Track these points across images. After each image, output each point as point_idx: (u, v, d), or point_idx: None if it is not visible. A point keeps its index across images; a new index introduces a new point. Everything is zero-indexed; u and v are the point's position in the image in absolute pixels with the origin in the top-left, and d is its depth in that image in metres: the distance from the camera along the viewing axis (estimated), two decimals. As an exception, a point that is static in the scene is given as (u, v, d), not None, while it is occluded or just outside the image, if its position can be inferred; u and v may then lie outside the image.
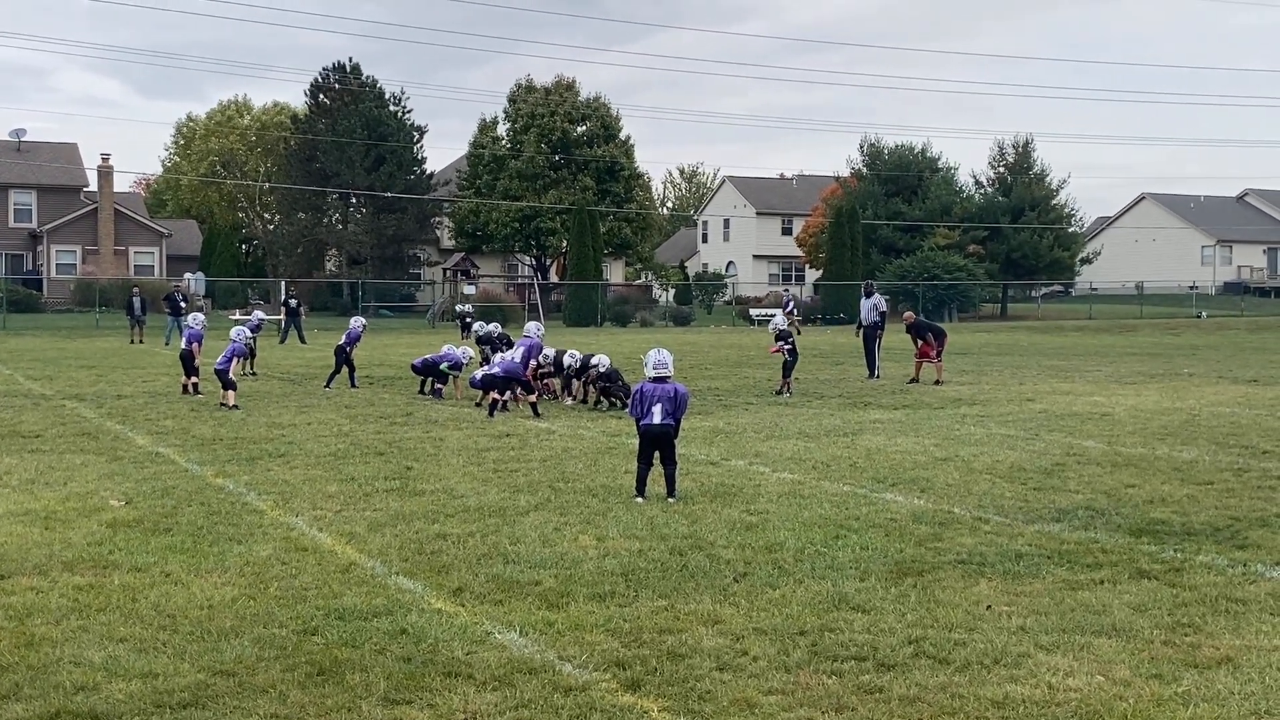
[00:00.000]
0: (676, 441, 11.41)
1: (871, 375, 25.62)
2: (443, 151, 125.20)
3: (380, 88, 74.23)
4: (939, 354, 24.64)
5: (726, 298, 79.35)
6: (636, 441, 11.43)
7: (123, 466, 13.14)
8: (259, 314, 28.42)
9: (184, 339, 22.78)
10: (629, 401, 12.58)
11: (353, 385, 23.02)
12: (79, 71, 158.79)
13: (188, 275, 65.56)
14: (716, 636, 6.96)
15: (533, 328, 20.96)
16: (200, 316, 23.58)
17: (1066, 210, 78.50)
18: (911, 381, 24.24)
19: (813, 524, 10.07)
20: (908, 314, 27.01)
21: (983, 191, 79.79)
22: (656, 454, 11.27)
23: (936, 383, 24.05)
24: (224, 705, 5.85)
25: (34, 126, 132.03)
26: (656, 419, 11.20)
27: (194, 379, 21.63)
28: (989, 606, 7.55)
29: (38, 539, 9.41)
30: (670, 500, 11.10)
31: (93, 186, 71.71)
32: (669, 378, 11.42)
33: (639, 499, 11.10)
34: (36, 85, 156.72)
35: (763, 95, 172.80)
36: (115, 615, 7.32)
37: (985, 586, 8.07)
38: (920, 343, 24.64)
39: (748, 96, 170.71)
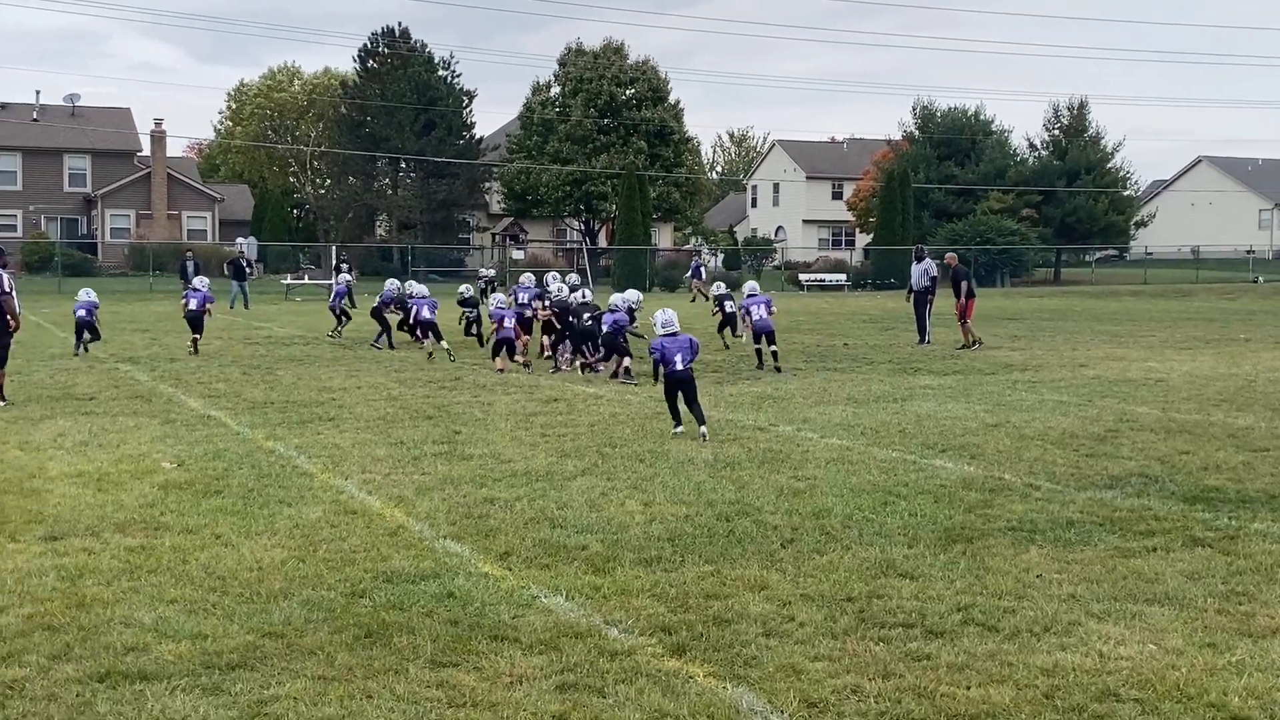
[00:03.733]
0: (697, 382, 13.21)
1: (922, 340, 25.44)
2: (493, 116, 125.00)
3: (430, 52, 74.23)
4: (967, 315, 24.49)
5: (775, 263, 78.98)
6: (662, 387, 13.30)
7: (175, 429, 13.26)
8: (346, 277, 28.39)
9: (196, 301, 23.70)
10: (652, 356, 13.77)
11: (390, 346, 23.69)
12: (137, 37, 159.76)
13: (240, 240, 66.05)
14: (763, 602, 6.93)
15: (622, 299, 20.47)
16: (206, 280, 25.37)
17: (1122, 174, 77.40)
18: (963, 347, 24.06)
19: (861, 490, 10.01)
20: (950, 255, 26.77)
21: (1037, 155, 78.78)
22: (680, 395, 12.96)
23: (963, 346, 23.96)
24: (272, 667, 5.89)
25: (91, 92, 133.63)
26: (679, 366, 13.00)
27: (197, 336, 23.27)
28: (1039, 574, 7.48)
29: (90, 501, 9.51)
30: (703, 430, 12.57)
31: (146, 151, 72.27)
32: (678, 332, 13.34)
33: (679, 429, 12.88)
34: (94, 51, 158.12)
35: (816, 59, 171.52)
36: (166, 577, 7.40)
37: (1035, 554, 7.99)
38: (960, 298, 24.45)
39: (800, 60, 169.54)
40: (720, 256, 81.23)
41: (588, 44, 74.74)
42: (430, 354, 21.69)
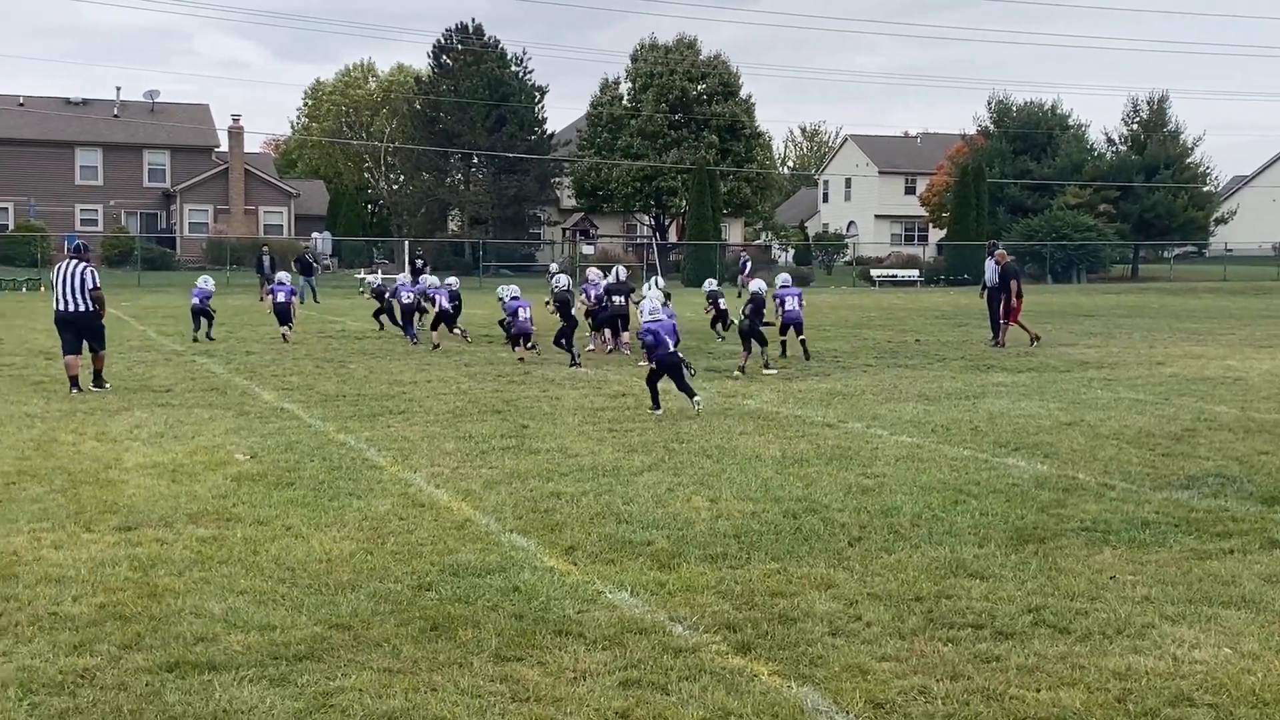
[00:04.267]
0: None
1: (995, 338, 25.14)
2: (564, 112, 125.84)
3: (502, 49, 74.56)
4: (1015, 314, 24.27)
5: (847, 258, 78.50)
6: (648, 371, 14.66)
7: (249, 421, 13.42)
8: (454, 279, 28.74)
9: (284, 294, 25.03)
10: (644, 340, 14.68)
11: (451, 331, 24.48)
12: (219, 35, 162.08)
13: (315, 234, 66.80)
14: (830, 601, 6.87)
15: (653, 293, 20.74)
16: (287, 275, 27.31)
17: (1201, 169, 76.02)
18: (1035, 341, 23.81)
19: (931, 488, 9.90)
20: (1000, 252, 26.48)
21: (1114, 150, 77.60)
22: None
23: (999, 344, 23.74)
24: (339, 658, 5.93)
25: (171, 89, 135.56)
26: (670, 347, 14.17)
27: (288, 328, 24.31)
28: (1112, 576, 7.35)
29: (165, 491, 9.64)
30: (697, 400, 13.84)
31: (224, 147, 73.29)
32: (662, 318, 14.44)
33: (658, 411, 13.91)
34: (177, 48, 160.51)
35: (890, 53, 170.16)
36: (236, 567, 7.47)
37: (1109, 555, 7.85)
38: (1012, 297, 24.17)
39: (874, 54, 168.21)
40: (791, 252, 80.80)
41: (660, 39, 74.76)
42: (436, 345, 22.76)
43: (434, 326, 23.48)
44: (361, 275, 52.35)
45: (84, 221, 69.87)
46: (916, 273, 66.77)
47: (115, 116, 73.71)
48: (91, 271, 16.13)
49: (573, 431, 12.79)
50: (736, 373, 18.40)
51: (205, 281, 24.88)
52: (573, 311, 20.90)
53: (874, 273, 66.73)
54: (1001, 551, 7.92)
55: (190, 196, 71.42)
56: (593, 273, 25.09)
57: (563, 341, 20.35)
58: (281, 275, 27.22)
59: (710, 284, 26.44)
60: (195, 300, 24.54)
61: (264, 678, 5.67)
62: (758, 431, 12.79)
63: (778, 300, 21.55)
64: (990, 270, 25.88)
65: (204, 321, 24.60)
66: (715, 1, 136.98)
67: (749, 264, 52.22)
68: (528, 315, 20.44)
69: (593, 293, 23.03)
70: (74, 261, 16.14)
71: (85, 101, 75.16)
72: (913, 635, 6.30)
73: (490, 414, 14.10)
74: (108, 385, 16.11)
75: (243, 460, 11.00)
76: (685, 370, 14.48)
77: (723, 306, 24.66)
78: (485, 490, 9.75)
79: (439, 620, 6.47)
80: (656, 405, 14.01)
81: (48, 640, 6.11)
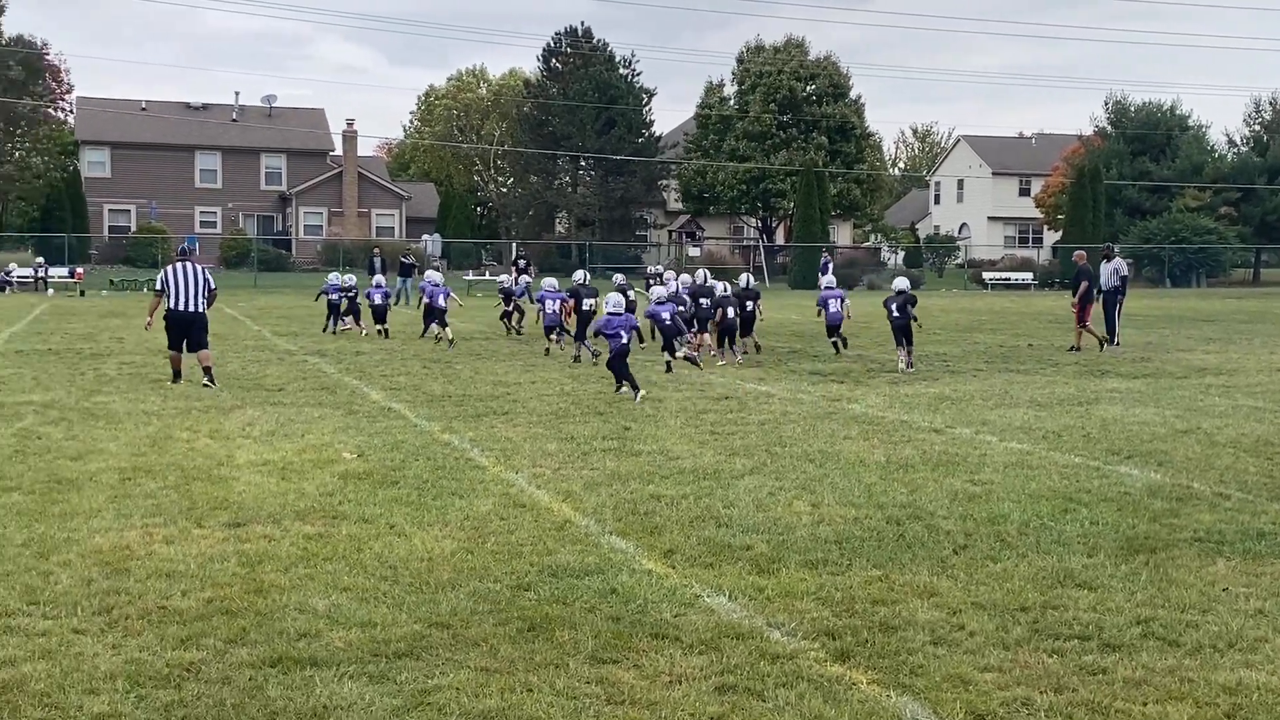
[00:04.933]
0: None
1: (1110, 342, 24.65)
2: (671, 114, 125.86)
3: (611, 51, 74.91)
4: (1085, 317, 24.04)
5: (958, 261, 77.50)
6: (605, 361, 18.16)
7: (357, 420, 13.61)
8: (526, 278, 29.46)
9: (379, 295, 26.32)
10: (603, 332, 16.57)
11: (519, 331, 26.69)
12: (336, 40, 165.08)
13: (425, 237, 67.68)
14: (932, 609, 6.76)
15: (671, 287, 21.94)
16: (382, 278, 28.53)
17: (1328, 170, 73.74)
18: (1073, 349, 23.73)
19: (1040, 496, 9.70)
20: (1079, 253, 26.19)
21: (1236, 151, 75.66)
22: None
23: (1074, 349, 23.49)
24: (437, 657, 5.97)
25: (290, 94, 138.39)
26: (624, 340, 16.10)
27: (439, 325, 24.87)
28: (1225, 588, 7.13)
29: (274, 489, 9.81)
30: (641, 395, 15.33)
31: (339, 151, 74.60)
32: (623, 312, 16.53)
33: (636, 394, 15.40)
34: (296, 54, 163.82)
35: (1004, 52, 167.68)
36: (340, 565, 7.57)
37: (1223, 566, 7.62)
38: (1081, 300, 24.00)
39: (988, 54, 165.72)
40: (900, 254, 80.00)
41: (768, 41, 74.53)
42: (438, 339, 24.11)
43: (437, 321, 24.73)
44: (469, 277, 52.94)
45: (203, 223, 71.65)
46: (1030, 276, 65.71)
47: (234, 121, 75.46)
48: (209, 273, 17.14)
49: (674, 434, 12.78)
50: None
51: (336, 277, 26.91)
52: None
53: (986, 276, 65.81)
54: (1111, 561, 7.73)
55: (305, 199, 72.83)
56: (668, 274, 26.22)
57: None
58: (378, 279, 28.22)
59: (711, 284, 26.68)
60: (331, 296, 26.64)
61: (364, 674, 5.73)
62: (862, 436, 12.66)
63: (820, 303, 22.97)
64: (1105, 273, 25.40)
65: (336, 318, 26.74)
66: (826, 2, 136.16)
67: (830, 265, 51.92)
68: (555, 308, 21.87)
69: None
70: (188, 264, 16.90)
71: (205, 106, 77.05)
72: (1017, 646, 6.18)
73: (592, 415, 14.14)
74: (216, 384, 16.44)
75: (350, 459, 11.16)
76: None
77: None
78: (586, 491, 9.78)
79: (537, 621, 6.49)
80: (635, 389, 15.60)
81: (156, 634, 6.24)
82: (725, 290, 21.97)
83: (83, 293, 46.44)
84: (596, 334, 17.17)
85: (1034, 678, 5.73)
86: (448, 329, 24.33)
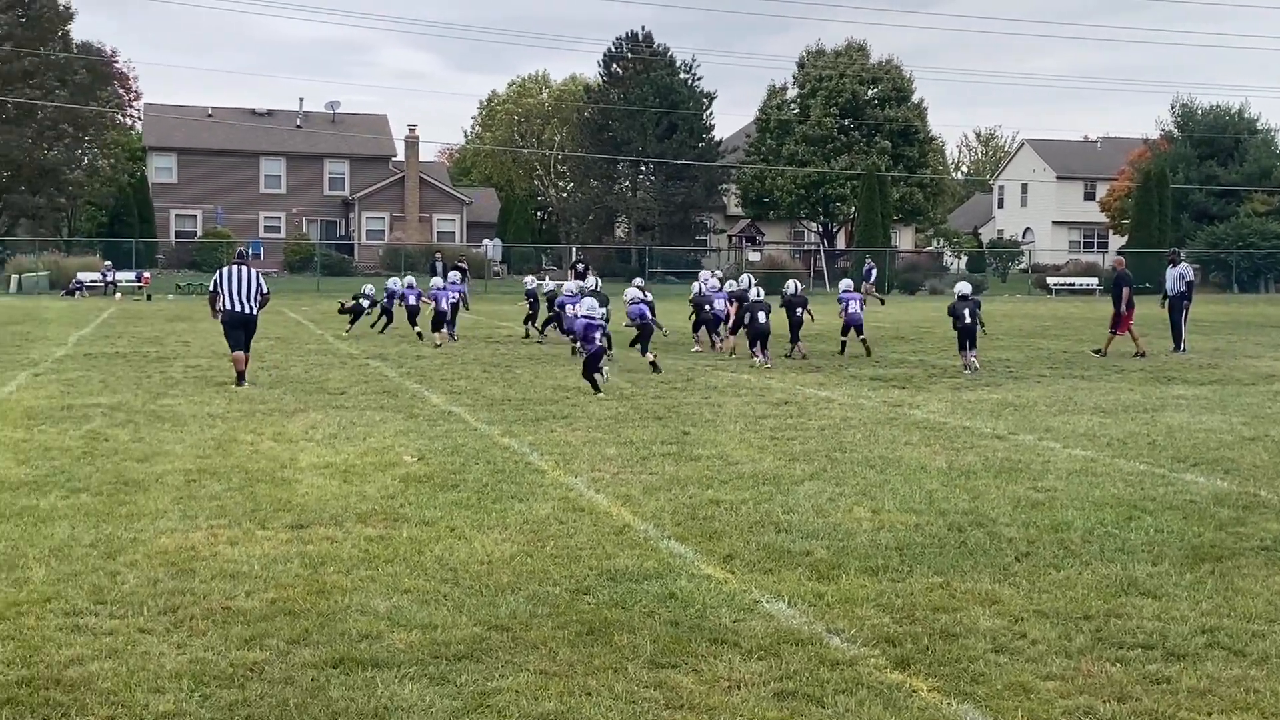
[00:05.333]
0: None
1: (1177, 348, 24.34)
2: (731, 118, 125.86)
3: (672, 56, 74.94)
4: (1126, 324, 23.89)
5: (1022, 265, 76.77)
6: (585, 358, 19.11)
7: (417, 424, 13.70)
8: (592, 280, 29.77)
9: (442, 298, 26.16)
10: (572, 330, 18.33)
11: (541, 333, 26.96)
12: (399, 47, 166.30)
13: (486, 241, 68.03)
14: (994, 617, 6.71)
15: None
16: (413, 280, 28.81)
17: (1402, 173, 72.32)
18: (1098, 352, 23.72)
19: (1104, 504, 9.60)
20: (1118, 259, 26.08)
21: (1306, 154, 74.34)
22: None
23: (1140, 354, 23.31)
24: (497, 659, 6.00)
25: (353, 100, 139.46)
26: (597, 342, 17.17)
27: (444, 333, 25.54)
28: (1296, 599, 7.02)
29: (336, 491, 9.90)
30: (601, 395, 16.25)
31: (401, 156, 75.19)
32: (595, 317, 17.46)
33: (601, 394, 16.35)
34: (359, 60, 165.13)
35: (1068, 55, 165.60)
36: (401, 567, 7.63)
37: (1292, 577, 7.50)
38: (1122, 307, 23.81)
39: (1052, 57, 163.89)
40: (963, 259, 79.39)
41: (829, 45, 74.26)
42: (437, 345, 24.55)
43: (435, 327, 25.27)
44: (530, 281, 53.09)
45: (267, 228, 72.43)
46: (1095, 281, 64.90)
47: (298, 127, 76.26)
48: (262, 279, 17.66)
49: (734, 439, 12.76)
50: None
51: (396, 282, 27.69)
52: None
53: (1050, 281, 65.12)
54: (1176, 570, 7.63)
55: (368, 204, 73.45)
56: (704, 274, 26.64)
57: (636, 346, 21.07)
58: (435, 280, 28.50)
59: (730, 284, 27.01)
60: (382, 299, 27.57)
61: (424, 676, 5.77)
62: (923, 442, 12.58)
63: (841, 303, 23.37)
64: (1171, 279, 25.11)
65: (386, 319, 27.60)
66: (888, 5, 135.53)
67: (874, 272, 51.71)
68: (574, 313, 22.06)
69: (703, 290, 24.90)
70: (242, 268, 17.43)
71: (270, 113, 77.92)
72: (1080, 654, 6.11)
73: (651, 420, 14.15)
74: (246, 384, 16.97)
75: (410, 462, 11.24)
76: (607, 359, 17.85)
77: (719, 313, 25.03)
78: (644, 496, 9.78)
79: (596, 625, 6.50)
80: (596, 389, 16.58)
81: (220, 634, 6.32)
82: (759, 295, 22.43)
83: (149, 297, 47.09)
84: (569, 334, 18.11)
85: (1097, 687, 5.67)
86: (441, 333, 25.39)
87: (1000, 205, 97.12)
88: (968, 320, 19.98)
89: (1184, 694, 5.57)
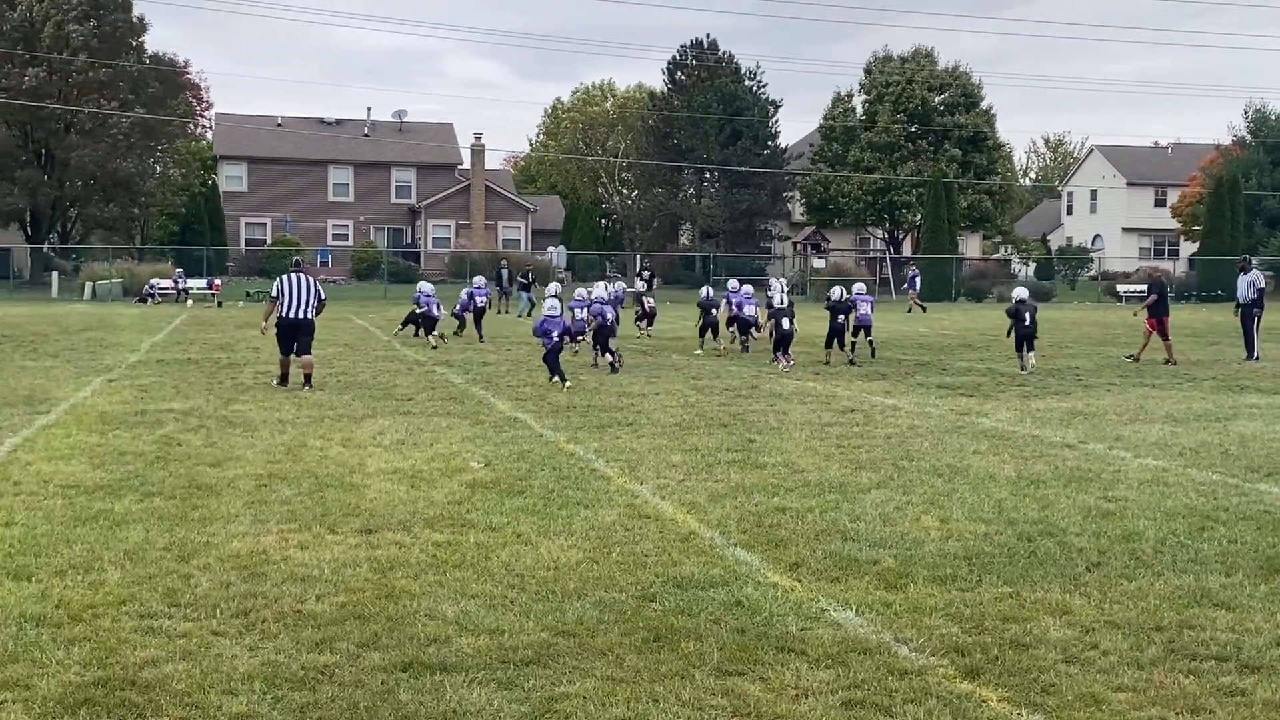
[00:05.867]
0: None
1: (1250, 357, 23.95)
2: (797, 125, 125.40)
3: (736, 63, 74.87)
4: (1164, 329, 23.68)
5: (1091, 272, 75.88)
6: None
7: (484, 430, 13.78)
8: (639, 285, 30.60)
9: (433, 305, 27.50)
10: (534, 326, 19.72)
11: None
12: (467, 56, 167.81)
13: (551, 249, 68.34)
14: (1064, 627, 6.64)
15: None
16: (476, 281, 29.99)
17: None
18: (1132, 358, 23.60)
19: (1176, 514, 9.46)
20: (1152, 266, 25.91)
21: (1384, 159, 72.86)
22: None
23: (1169, 362, 23.03)
24: (564, 665, 6.02)
25: (420, 109, 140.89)
26: (554, 338, 18.88)
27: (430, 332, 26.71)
28: (1375, 612, 6.88)
29: (404, 496, 9.98)
30: (568, 384, 18.04)
31: (466, 164, 75.69)
32: (558, 315, 19.40)
33: (567, 384, 18.07)
34: (426, 70, 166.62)
35: (1139, 60, 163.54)
36: (469, 572, 7.68)
37: (1372, 590, 7.35)
38: (1155, 312, 23.66)
39: (1123, 62, 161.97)
40: (1032, 266, 78.58)
41: (895, 51, 73.85)
42: (433, 346, 25.57)
43: (418, 329, 27.16)
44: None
45: (335, 236, 73.23)
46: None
47: (365, 136, 77.02)
48: (320, 286, 18.26)
49: (800, 446, 12.72)
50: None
51: (430, 287, 28.09)
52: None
53: (1120, 288, 64.26)
54: (1250, 581, 7.52)
55: (434, 212, 74.01)
56: (732, 283, 27.54)
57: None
58: (478, 280, 29.86)
59: (708, 292, 27.70)
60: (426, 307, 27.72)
61: (492, 680, 5.80)
62: (992, 451, 12.47)
63: (851, 304, 24.03)
64: (1242, 286, 24.74)
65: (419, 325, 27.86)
66: (955, 9, 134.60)
67: (918, 279, 51.30)
68: (583, 317, 22.95)
69: (734, 300, 26.00)
70: (302, 275, 18.04)
71: (338, 122, 78.79)
72: (1152, 666, 6.04)
73: (717, 427, 14.14)
74: (313, 388, 17.52)
75: (477, 468, 11.30)
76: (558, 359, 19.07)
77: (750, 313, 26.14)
78: (710, 503, 9.78)
79: (662, 631, 6.51)
80: (563, 379, 18.34)
81: (291, 637, 6.39)
82: (782, 302, 23.03)
83: (220, 304, 47.75)
84: (534, 332, 19.69)
85: (1169, 698, 5.60)
86: (434, 335, 26.59)
87: (1069, 212, 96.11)
88: (1027, 322, 21.20)
89: (1259, 706, 5.49)
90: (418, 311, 27.92)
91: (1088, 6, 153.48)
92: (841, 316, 22.87)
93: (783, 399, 17.00)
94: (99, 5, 57.75)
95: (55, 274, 55.51)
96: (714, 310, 26.14)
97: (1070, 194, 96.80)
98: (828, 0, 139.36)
